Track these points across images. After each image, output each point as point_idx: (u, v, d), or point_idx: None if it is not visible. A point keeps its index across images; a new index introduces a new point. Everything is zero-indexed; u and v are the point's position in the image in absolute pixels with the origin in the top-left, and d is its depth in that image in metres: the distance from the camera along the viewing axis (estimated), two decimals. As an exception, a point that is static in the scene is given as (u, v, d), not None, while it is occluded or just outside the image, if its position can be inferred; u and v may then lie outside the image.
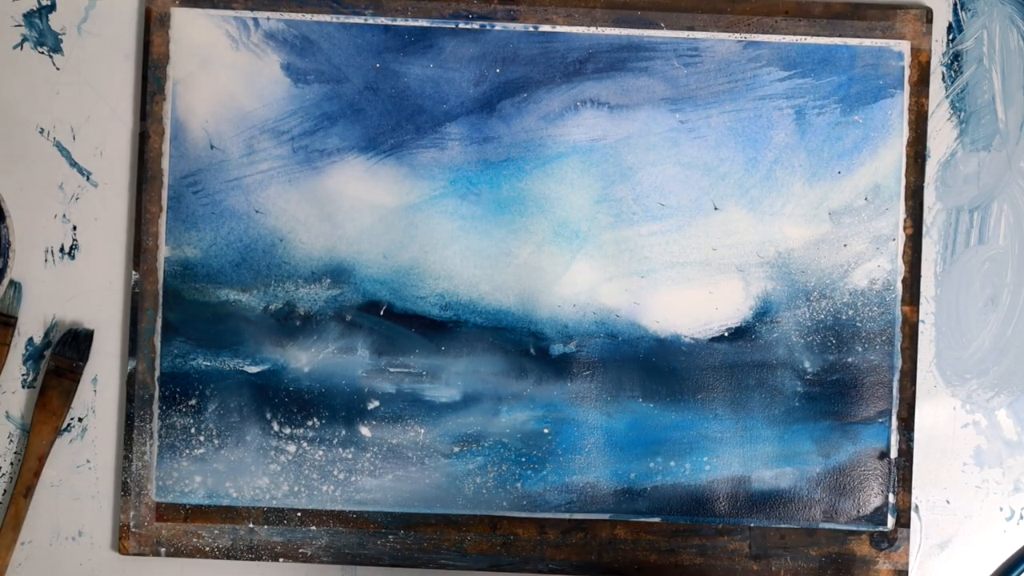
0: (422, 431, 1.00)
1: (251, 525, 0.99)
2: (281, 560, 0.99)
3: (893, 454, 1.00)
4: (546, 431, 1.00)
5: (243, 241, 0.99)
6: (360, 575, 1.01)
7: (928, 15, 1.00)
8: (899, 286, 1.00)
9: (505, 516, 1.00)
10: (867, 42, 1.00)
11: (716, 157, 1.00)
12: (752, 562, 1.00)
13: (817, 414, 1.00)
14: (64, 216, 1.00)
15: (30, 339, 1.00)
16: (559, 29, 1.00)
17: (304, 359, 0.99)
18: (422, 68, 1.00)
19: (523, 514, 1.00)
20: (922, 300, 1.01)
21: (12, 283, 1.00)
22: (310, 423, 0.99)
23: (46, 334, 1.00)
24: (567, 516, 1.00)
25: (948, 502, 1.01)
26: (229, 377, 0.99)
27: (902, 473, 1.00)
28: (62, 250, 1.00)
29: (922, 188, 1.00)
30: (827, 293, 1.00)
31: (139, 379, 0.99)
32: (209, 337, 0.99)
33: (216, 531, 0.99)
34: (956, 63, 1.02)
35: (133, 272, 0.99)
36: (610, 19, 1.00)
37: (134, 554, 0.99)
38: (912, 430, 1.00)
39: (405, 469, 1.00)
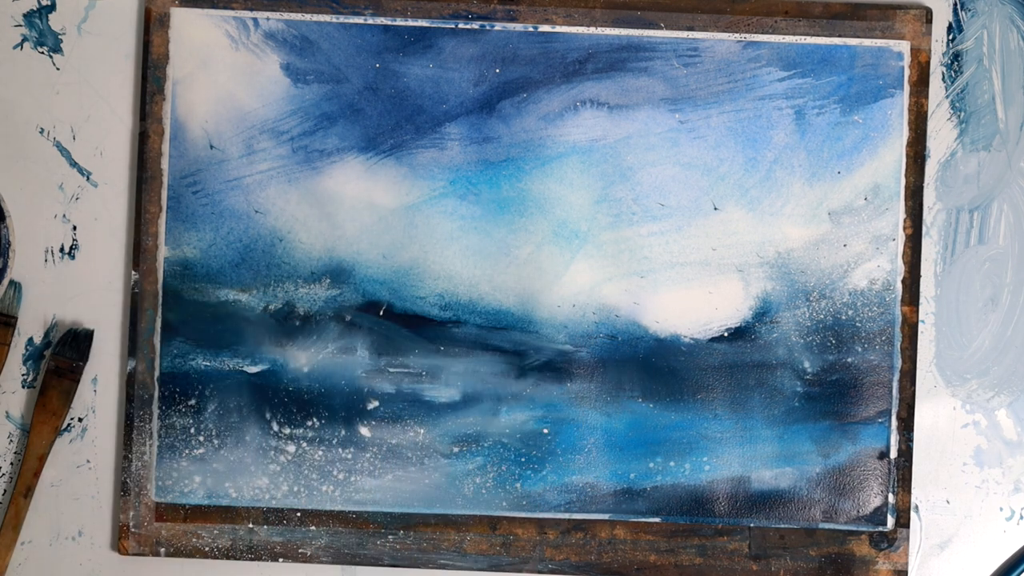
0: (422, 431, 1.00)
1: (251, 525, 0.99)
2: (281, 560, 0.99)
3: (893, 454, 1.00)
4: (546, 431, 1.00)
5: (243, 241, 0.99)
6: (360, 575, 1.01)
7: (928, 15, 1.00)
8: (899, 286, 1.00)
9: (505, 516, 1.00)
10: (867, 42, 1.00)
11: (716, 157, 1.00)
12: (752, 562, 1.00)
13: (817, 414, 1.00)
14: (64, 216, 1.00)
15: (30, 339, 1.00)
16: (559, 29, 1.00)
17: (304, 359, 0.99)
18: (422, 68, 1.00)
19: (523, 514, 1.00)
20: (922, 300, 1.01)
21: (12, 283, 1.00)
22: (310, 423, 0.99)
23: (46, 334, 1.00)
24: (567, 516, 1.00)
25: (948, 502, 1.01)
26: (228, 377, 0.99)
27: (902, 473, 1.00)
28: (62, 250, 1.00)
29: (922, 188, 1.00)
30: (827, 293, 1.00)
31: (139, 379, 0.99)
32: (209, 337, 0.99)
33: (216, 531, 0.99)
34: (956, 63, 1.02)
35: (133, 272, 0.99)
36: (610, 19, 1.00)
37: (134, 554, 0.99)
38: (912, 430, 1.00)
39: (405, 469, 1.00)
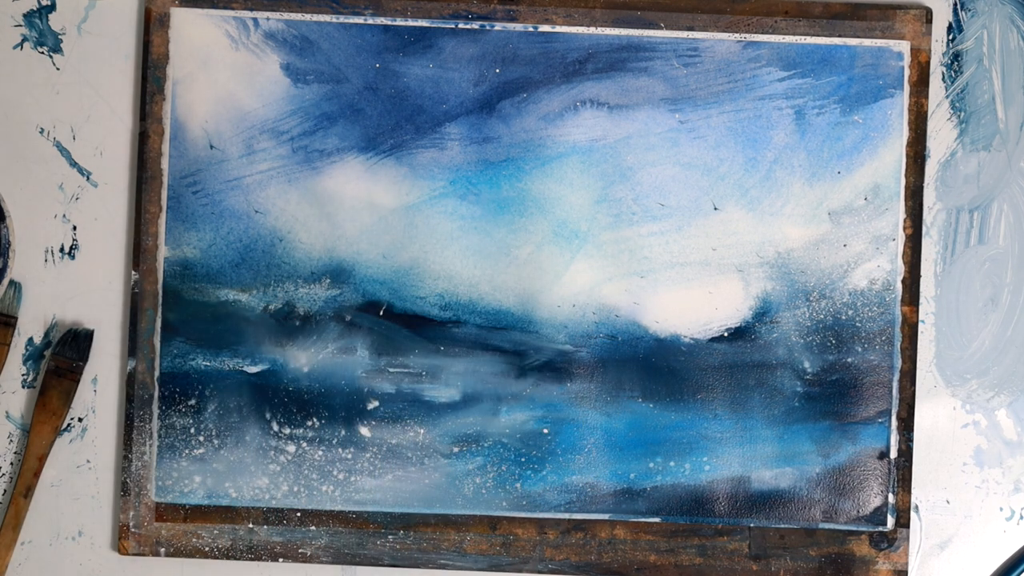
0: (422, 431, 1.00)
1: (251, 525, 0.99)
2: (281, 560, 0.99)
3: (893, 454, 1.00)
4: (545, 431, 1.00)
5: (243, 241, 0.99)
6: (360, 575, 1.01)
7: (928, 15, 1.00)
8: (899, 286, 1.00)
9: (504, 516, 1.00)
10: (867, 42, 1.00)
11: (716, 157, 1.00)
12: (752, 562, 1.00)
13: (817, 414, 1.00)
14: (64, 216, 1.00)
15: (30, 339, 1.00)
16: (559, 29, 1.00)
17: (304, 359, 0.99)
18: (422, 68, 1.00)
19: (523, 514, 1.00)
20: (922, 300, 1.01)
21: (12, 283, 1.00)
22: (310, 423, 0.99)
23: (46, 334, 1.00)
24: (567, 516, 1.00)
25: (948, 502, 1.01)
26: (228, 377, 0.99)
27: (902, 473, 1.00)
28: (62, 250, 1.00)
29: (922, 188, 1.00)
30: (827, 293, 1.00)
31: (139, 379, 0.99)
32: (209, 337, 0.99)
33: (216, 531, 0.99)
34: (956, 63, 1.02)
35: (133, 272, 0.99)
36: (610, 19, 1.00)
37: (134, 554, 0.99)
38: (912, 430, 1.00)
39: (405, 469, 1.00)
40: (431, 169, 1.00)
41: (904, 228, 1.00)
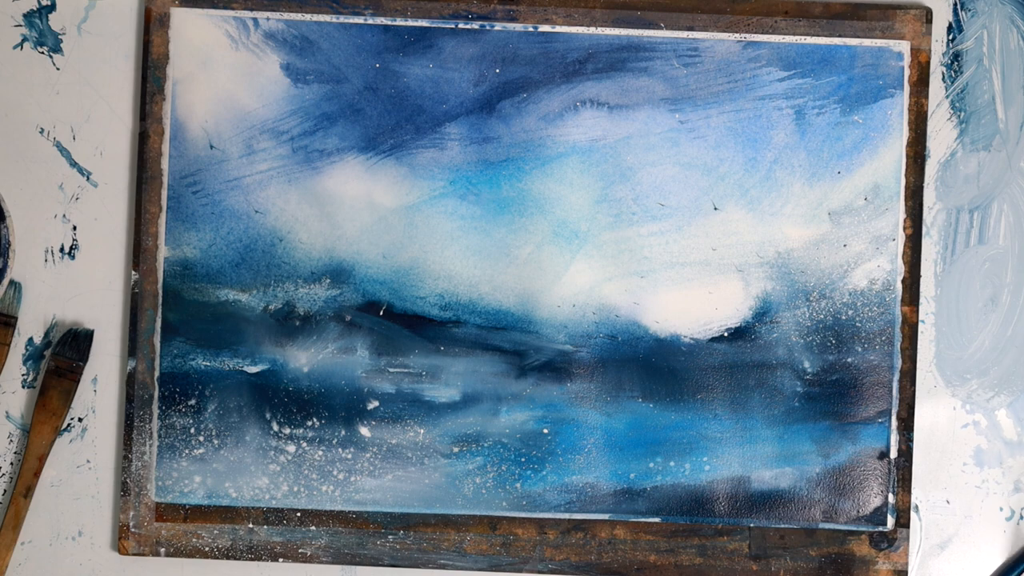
0: (422, 431, 1.00)
1: (251, 525, 0.99)
2: (281, 560, 0.99)
3: (893, 454, 1.00)
4: (545, 431, 1.00)
5: (243, 241, 0.99)
6: (360, 575, 1.01)
7: (928, 15, 1.00)
8: (899, 286, 1.00)
9: (504, 516, 1.00)
10: (867, 42, 1.00)
11: (716, 157, 1.00)
12: (752, 562, 1.00)
13: (817, 414, 1.00)
14: (64, 216, 1.00)
15: (30, 339, 1.00)
16: (559, 29, 1.00)
17: (304, 359, 1.00)
18: (422, 68, 1.00)
19: (522, 514, 1.00)
20: (922, 300, 1.01)
21: (12, 283, 1.00)
22: (310, 423, 0.99)
23: (46, 334, 1.00)
24: (567, 516, 1.00)
25: (948, 502, 1.01)
26: (228, 377, 0.99)
27: (902, 473, 1.00)
28: (62, 250, 1.00)
29: (922, 188, 1.00)
30: (827, 293, 1.00)
31: (139, 379, 0.99)
32: (209, 337, 0.99)
33: (216, 531, 0.99)
34: (956, 63, 1.02)
35: (133, 272, 0.99)
36: (610, 19, 1.00)
37: (134, 554, 0.99)
38: (912, 430, 1.00)
39: (405, 469, 1.00)
40: (431, 169, 1.00)
41: (904, 228, 1.00)
